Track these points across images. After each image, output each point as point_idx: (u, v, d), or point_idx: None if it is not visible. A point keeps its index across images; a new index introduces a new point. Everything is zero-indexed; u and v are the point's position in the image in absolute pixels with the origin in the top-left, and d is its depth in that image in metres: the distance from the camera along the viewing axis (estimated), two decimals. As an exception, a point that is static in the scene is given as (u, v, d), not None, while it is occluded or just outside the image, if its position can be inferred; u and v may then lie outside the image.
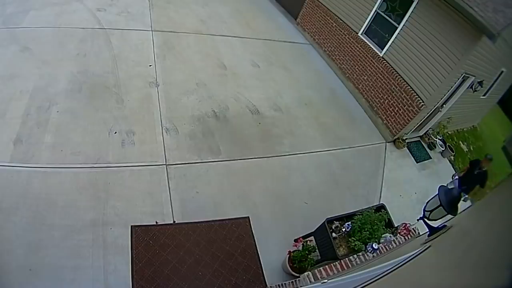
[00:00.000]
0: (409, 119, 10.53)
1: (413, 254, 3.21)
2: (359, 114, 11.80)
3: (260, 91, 10.66)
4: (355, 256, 5.76)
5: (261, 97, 10.41)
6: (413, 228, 6.18)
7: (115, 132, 7.88)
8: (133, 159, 7.52)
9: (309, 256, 6.31)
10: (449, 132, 13.33)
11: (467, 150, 14.26)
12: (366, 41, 11.88)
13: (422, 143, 12.11)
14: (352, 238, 6.16)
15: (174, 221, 6.73)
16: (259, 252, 6.71)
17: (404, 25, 10.49)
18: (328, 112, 10.86)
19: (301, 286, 5.43)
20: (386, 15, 11.07)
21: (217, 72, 10.81)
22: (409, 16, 10.31)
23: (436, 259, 2.94)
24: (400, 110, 10.73)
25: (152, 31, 11.43)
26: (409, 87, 10.43)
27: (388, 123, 11.11)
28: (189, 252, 6.30)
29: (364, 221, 6.24)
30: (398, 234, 6.14)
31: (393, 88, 10.89)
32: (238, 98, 10.03)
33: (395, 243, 5.93)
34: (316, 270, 5.40)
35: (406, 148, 11.22)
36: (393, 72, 10.88)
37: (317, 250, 6.49)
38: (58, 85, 8.50)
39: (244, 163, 8.39)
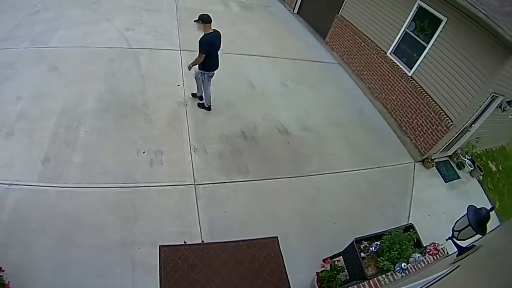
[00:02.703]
0: (438, 139, 10.33)
1: (441, 274, 3.18)
2: (388, 134, 11.63)
3: (288, 111, 10.60)
4: (383, 276, 5.65)
5: (289, 117, 10.34)
6: (441, 248, 6.06)
7: (143, 152, 7.88)
8: (162, 178, 7.49)
9: (337, 276, 6.17)
10: (478, 152, 13.07)
11: (496, 169, 13.99)
12: (395, 60, 11.77)
13: (451, 162, 11.87)
14: (381, 258, 6.02)
15: (202, 241, 6.63)
16: (287, 272, 6.61)
17: (432, 44, 10.35)
18: (356, 131, 10.73)
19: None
20: (415, 34, 10.97)
21: (246, 92, 10.84)
22: (438, 35, 10.18)
23: (465, 279, 2.92)
24: (429, 129, 10.56)
25: (180, 50, 11.54)
26: (438, 106, 10.26)
27: (417, 142, 10.92)
28: (217, 272, 6.19)
29: (393, 240, 6.10)
30: (427, 254, 6.01)
31: (422, 108, 10.72)
32: (266, 118, 10.00)
33: (424, 263, 5.82)
34: (344, 290, 5.33)
35: (435, 167, 11.00)
36: (421, 91, 10.73)
37: (345, 270, 6.34)
38: (87, 105, 8.59)
39: (273, 183, 8.27)
